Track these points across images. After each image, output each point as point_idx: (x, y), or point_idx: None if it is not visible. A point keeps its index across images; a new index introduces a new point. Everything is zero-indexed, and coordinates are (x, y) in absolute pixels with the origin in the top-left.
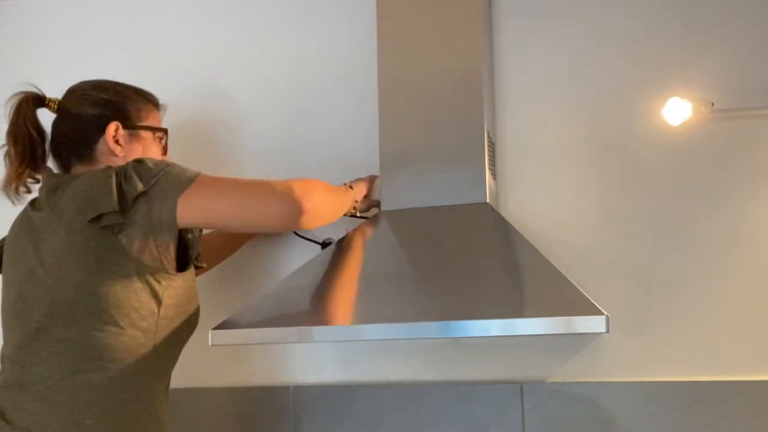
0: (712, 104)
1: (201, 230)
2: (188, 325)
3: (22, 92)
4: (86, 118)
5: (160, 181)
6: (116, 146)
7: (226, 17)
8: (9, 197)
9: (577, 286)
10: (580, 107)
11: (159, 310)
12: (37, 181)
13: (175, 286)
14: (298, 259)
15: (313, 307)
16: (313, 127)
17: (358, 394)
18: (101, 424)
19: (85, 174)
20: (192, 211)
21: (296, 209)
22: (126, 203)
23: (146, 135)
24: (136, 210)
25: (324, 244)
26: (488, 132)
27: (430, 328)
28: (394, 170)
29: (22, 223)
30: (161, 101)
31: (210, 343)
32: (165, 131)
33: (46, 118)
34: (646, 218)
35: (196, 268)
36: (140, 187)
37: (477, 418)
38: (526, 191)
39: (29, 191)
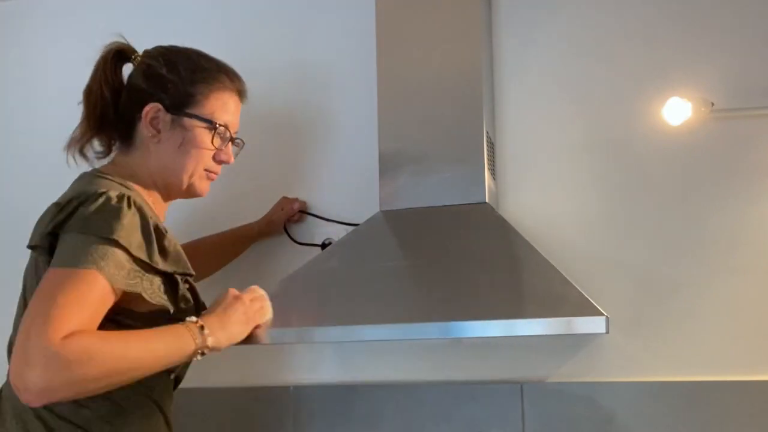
0: (712, 104)
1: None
2: None
3: (108, 44)
4: (135, 90)
5: (68, 236)
6: (152, 130)
7: (225, 17)
8: (69, 156)
9: (577, 287)
10: (580, 107)
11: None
12: (102, 146)
13: (147, 319)
14: (299, 259)
15: (313, 308)
16: (312, 127)
17: (358, 394)
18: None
19: (70, 188)
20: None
21: (18, 386)
22: (52, 238)
23: (193, 124)
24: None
25: (324, 245)
26: (488, 132)
27: (430, 329)
28: (394, 170)
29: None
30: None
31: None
32: (216, 126)
33: None
34: (646, 218)
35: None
36: (57, 227)
37: (477, 418)
38: (526, 191)
39: (87, 159)
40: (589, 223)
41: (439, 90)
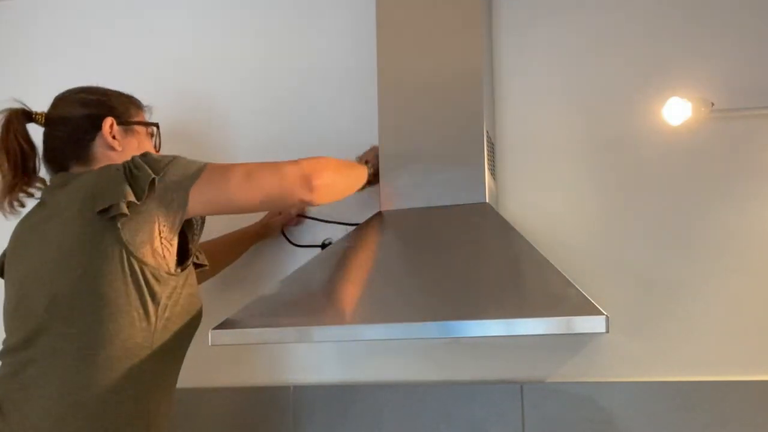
0: (712, 104)
1: (202, 225)
2: (189, 326)
3: (8, 108)
4: (79, 118)
5: (170, 171)
6: (114, 141)
7: (226, 18)
8: (2, 211)
9: (577, 286)
10: (580, 107)
11: (157, 310)
12: (30, 195)
13: (174, 285)
14: (299, 259)
15: (313, 307)
16: (312, 128)
17: (358, 394)
18: (92, 424)
19: (87, 171)
20: (202, 201)
21: (305, 186)
22: (140, 191)
23: (140, 130)
24: (150, 198)
25: (324, 245)
26: (488, 132)
27: (430, 328)
28: (394, 170)
29: (23, 225)
30: (145, 103)
31: (210, 343)
32: (156, 126)
33: (34, 132)
34: (646, 218)
35: (197, 267)
36: (152, 174)
37: (477, 418)
38: (526, 191)
39: (23, 205)
40: (589, 223)
41: (439, 90)
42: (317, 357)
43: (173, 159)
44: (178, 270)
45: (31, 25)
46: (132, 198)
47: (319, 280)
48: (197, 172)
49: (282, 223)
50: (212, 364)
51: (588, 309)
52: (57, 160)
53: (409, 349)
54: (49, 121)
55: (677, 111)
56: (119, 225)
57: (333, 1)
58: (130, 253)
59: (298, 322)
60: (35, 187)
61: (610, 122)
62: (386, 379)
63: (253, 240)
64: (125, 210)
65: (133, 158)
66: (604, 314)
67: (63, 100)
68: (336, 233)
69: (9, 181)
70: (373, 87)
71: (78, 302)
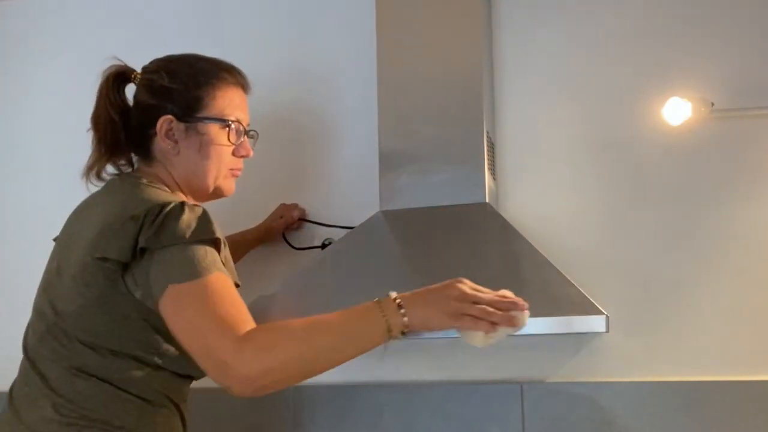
0: (712, 104)
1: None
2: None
3: (108, 68)
4: (143, 107)
5: (170, 250)
6: (169, 142)
7: (226, 17)
8: (88, 182)
9: (577, 286)
10: (580, 107)
11: (158, 357)
12: (119, 169)
13: None
14: (299, 259)
15: (313, 307)
16: (312, 128)
17: (358, 394)
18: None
19: (128, 194)
20: (167, 306)
21: (228, 383)
22: (134, 252)
23: (207, 127)
24: (141, 262)
25: (324, 245)
26: (488, 132)
27: None
28: (394, 170)
29: (76, 215)
30: (250, 81)
31: None
32: (229, 122)
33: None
34: (645, 218)
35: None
36: (148, 242)
37: (477, 418)
38: (526, 191)
39: (104, 181)
40: (589, 223)
41: (439, 90)
42: None
43: (185, 239)
44: None
45: (32, 25)
46: (125, 259)
47: (319, 279)
48: (187, 275)
49: (283, 226)
50: None
51: (588, 308)
52: (129, 144)
53: (409, 349)
54: (134, 94)
55: (677, 111)
56: (121, 273)
57: (333, 2)
58: (132, 300)
59: None
60: (126, 159)
61: (610, 122)
62: (386, 379)
63: (254, 244)
64: (119, 268)
65: (160, 210)
66: (604, 314)
67: (145, 72)
68: (336, 234)
69: (96, 155)
70: (373, 87)
71: (77, 328)
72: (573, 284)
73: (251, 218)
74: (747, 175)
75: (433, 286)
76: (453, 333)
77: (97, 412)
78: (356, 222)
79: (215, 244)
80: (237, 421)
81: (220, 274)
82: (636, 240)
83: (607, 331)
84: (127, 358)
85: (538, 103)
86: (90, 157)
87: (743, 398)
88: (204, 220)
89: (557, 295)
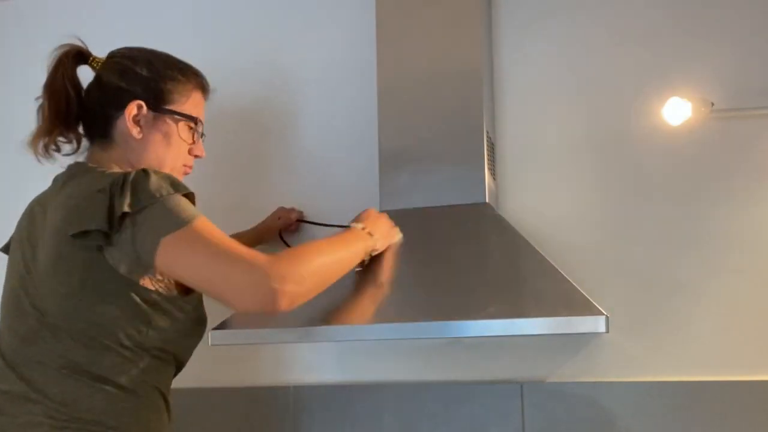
0: (712, 104)
1: None
2: (192, 339)
3: (66, 44)
4: (111, 89)
5: (150, 209)
6: (134, 127)
7: (226, 17)
8: (35, 154)
9: (577, 286)
10: (580, 107)
11: (148, 332)
12: (68, 141)
13: (168, 309)
14: None
15: (313, 308)
16: (312, 128)
17: (358, 394)
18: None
19: (85, 177)
20: (168, 258)
21: (268, 294)
22: (113, 221)
23: (173, 121)
24: (121, 232)
25: None
26: (488, 132)
27: (430, 328)
28: (394, 170)
29: (28, 215)
30: (211, 85)
31: (210, 343)
32: (195, 120)
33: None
34: (645, 218)
35: None
36: (126, 207)
37: (477, 418)
38: (526, 191)
39: (59, 150)
40: (589, 223)
41: (439, 90)
42: (317, 357)
43: (163, 196)
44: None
45: (32, 25)
46: (105, 228)
47: None
48: (176, 224)
49: (280, 227)
50: (212, 364)
51: (588, 309)
52: (85, 122)
53: (409, 349)
54: (97, 75)
55: (677, 111)
56: (101, 249)
57: (333, 1)
58: (116, 277)
59: (297, 322)
60: (75, 136)
61: (610, 122)
62: (386, 379)
63: (252, 244)
64: (101, 239)
65: (126, 176)
66: (604, 314)
67: (111, 58)
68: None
69: (48, 124)
70: (372, 86)
71: (63, 322)
72: (573, 284)
73: (250, 218)
74: (747, 175)
75: (365, 218)
76: None
77: (90, 413)
78: None
79: (190, 198)
80: (237, 421)
81: (205, 218)
82: (636, 240)
83: (607, 332)
84: (119, 347)
85: (538, 103)
86: (38, 127)
87: (743, 398)
88: (172, 178)
89: (557, 295)
